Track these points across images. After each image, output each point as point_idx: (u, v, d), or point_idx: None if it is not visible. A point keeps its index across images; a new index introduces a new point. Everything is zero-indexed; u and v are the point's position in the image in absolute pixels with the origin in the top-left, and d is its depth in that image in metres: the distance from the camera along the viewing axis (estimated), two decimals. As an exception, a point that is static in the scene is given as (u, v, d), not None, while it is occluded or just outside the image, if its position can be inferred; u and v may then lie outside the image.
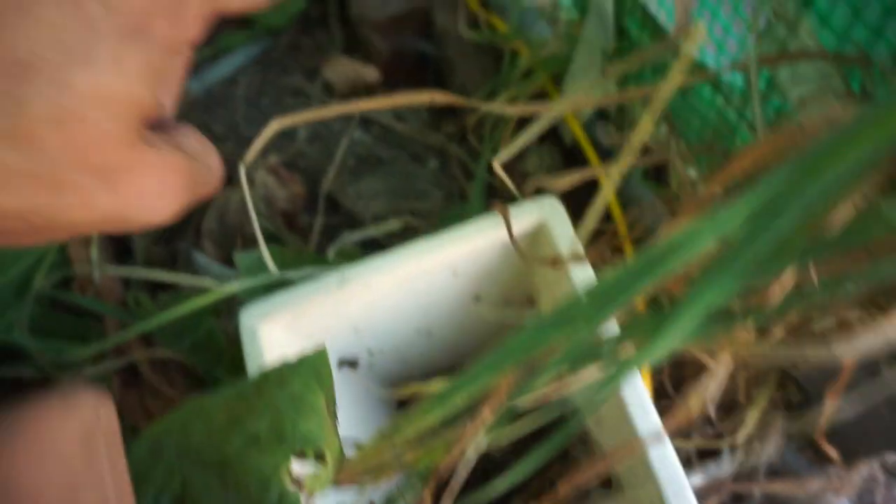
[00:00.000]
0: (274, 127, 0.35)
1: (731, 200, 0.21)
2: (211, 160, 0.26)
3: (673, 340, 0.20)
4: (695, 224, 0.21)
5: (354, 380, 0.47)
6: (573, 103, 0.28)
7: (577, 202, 0.52)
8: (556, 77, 0.52)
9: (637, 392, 0.31)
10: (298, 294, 0.36)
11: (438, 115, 0.67)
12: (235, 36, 0.72)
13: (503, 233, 0.36)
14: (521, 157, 0.54)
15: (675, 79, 0.18)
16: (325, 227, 0.60)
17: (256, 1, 0.26)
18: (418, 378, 0.53)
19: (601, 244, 0.45)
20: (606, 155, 0.51)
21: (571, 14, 0.52)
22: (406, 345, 0.46)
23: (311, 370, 0.29)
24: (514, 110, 0.32)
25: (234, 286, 0.38)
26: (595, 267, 0.45)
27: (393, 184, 0.63)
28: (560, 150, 0.54)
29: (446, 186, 0.63)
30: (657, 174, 0.52)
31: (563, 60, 0.51)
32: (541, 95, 0.54)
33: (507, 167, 0.56)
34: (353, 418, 0.43)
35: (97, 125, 0.20)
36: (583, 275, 0.36)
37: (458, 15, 0.62)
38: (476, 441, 0.24)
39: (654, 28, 0.39)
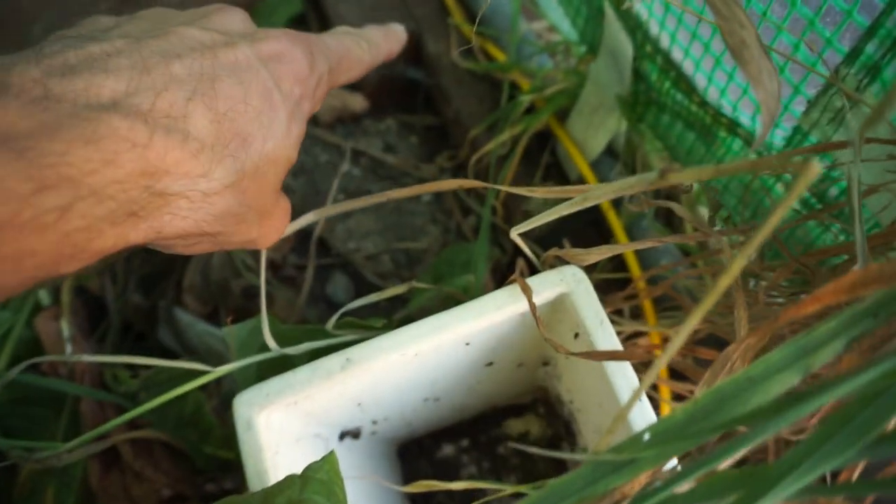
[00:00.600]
0: (309, 218, 0.33)
1: (820, 331, 0.18)
2: (288, 204, 0.33)
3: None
4: (776, 356, 0.18)
5: (357, 445, 0.44)
6: (615, 189, 0.24)
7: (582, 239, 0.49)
8: (560, 111, 0.49)
9: None
10: (298, 379, 0.33)
11: (431, 145, 0.64)
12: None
13: (522, 304, 0.33)
14: (523, 196, 0.51)
15: (779, 214, 0.15)
16: (316, 269, 0.56)
17: (356, 75, 0.36)
18: (423, 436, 0.50)
19: (616, 297, 0.42)
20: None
21: (577, 48, 0.49)
22: (412, 411, 0.42)
23: (322, 490, 0.25)
24: (541, 193, 0.29)
25: (228, 367, 0.34)
26: (615, 324, 0.42)
27: (385, 221, 0.59)
28: (563, 178, 0.51)
29: (442, 222, 0.59)
30: (667, 214, 0.50)
31: (569, 96, 0.48)
32: (544, 134, 0.51)
33: (507, 205, 0.53)
34: (357, 485, 0.39)
35: (270, 179, 0.29)
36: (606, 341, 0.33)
37: (450, 42, 0.59)
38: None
39: (677, 75, 0.36)
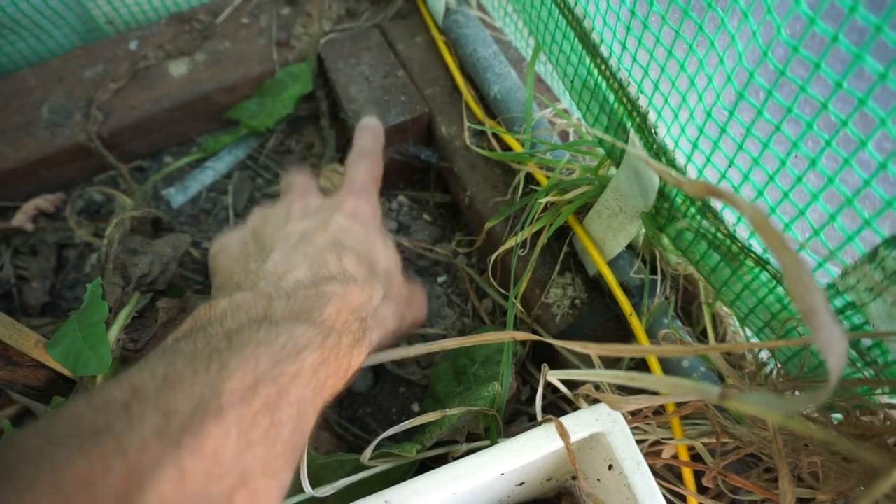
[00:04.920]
0: (386, 357, 0.33)
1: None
2: (417, 287, 0.52)
3: None
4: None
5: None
6: (662, 351, 0.25)
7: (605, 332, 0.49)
8: (579, 208, 0.50)
9: None
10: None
11: (444, 222, 0.64)
12: (218, 138, 0.68)
13: (558, 443, 0.34)
14: (542, 288, 0.51)
15: None
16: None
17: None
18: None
19: (643, 411, 0.42)
20: (633, 291, 0.48)
21: (595, 147, 0.50)
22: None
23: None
24: (596, 351, 0.29)
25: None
26: (640, 430, 0.43)
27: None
28: (583, 279, 0.52)
29: (458, 305, 0.60)
30: (685, 308, 0.50)
31: (588, 195, 0.48)
32: (564, 231, 0.51)
33: (527, 296, 0.53)
34: None
35: (396, 280, 0.45)
36: (643, 482, 0.33)
37: (462, 125, 0.59)
38: None
39: (704, 205, 0.36)
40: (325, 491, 0.35)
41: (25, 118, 0.64)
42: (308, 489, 0.34)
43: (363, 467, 0.37)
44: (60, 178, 0.65)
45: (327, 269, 0.38)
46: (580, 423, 0.33)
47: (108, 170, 0.66)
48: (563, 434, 0.32)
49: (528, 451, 0.33)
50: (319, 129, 0.68)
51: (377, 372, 0.57)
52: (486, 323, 0.58)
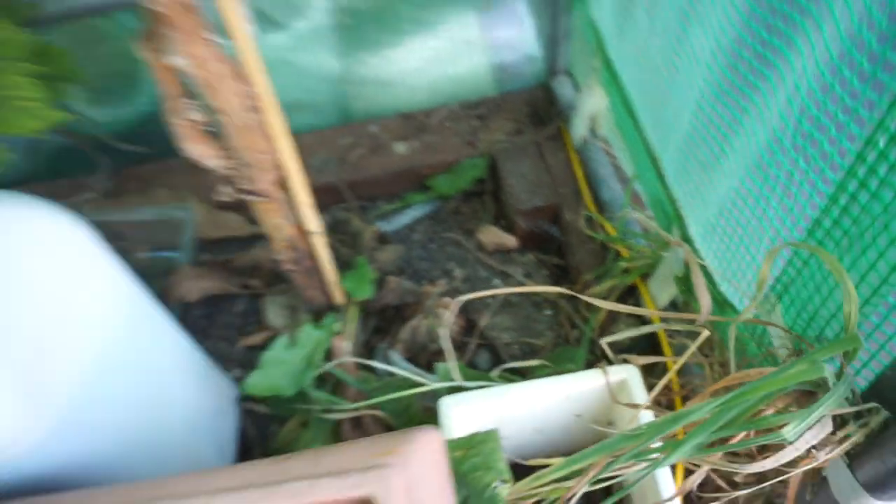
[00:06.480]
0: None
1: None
2: None
3: (680, 456, 0.44)
4: (693, 408, 0.46)
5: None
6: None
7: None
8: (643, 274, 0.79)
9: (665, 477, 0.55)
10: (474, 395, 0.63)
11: (556, 278, 0.94)
12: (416, 196, 1.03)
13: (601, 381, 0.62)
14: (613, 319, 0.80)
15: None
16: (476, 347, 0.87)
17: None
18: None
19: (659, 394, 0.69)
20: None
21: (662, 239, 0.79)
22: (528, 438, 0.70)
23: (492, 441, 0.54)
24: (625, 309, 0.58)
25: (436, 384, 0.65)
26: (657, 406, 0.69)
27: (519, 322, 0.89)
28: (639, 317, 0.79)
29: (556, 330, 0.89)
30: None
31: (650, 266, 0.77)
32: (632, 289, 0.80)
33: (604, 326, 0.82)
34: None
35: None
36: (646, 416, 0.60)
37: (579, 214, 0.90)
38: (581, 489, 0.49)
39: (710, 280, 0.64)
40: (469, 384, 0.65)
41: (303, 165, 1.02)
42: (458, 379, 0.64)
43: (490, 380, 0.67)
44: (319, 203, 1.02)
45: None
46: (615, 372, 0.61)
47: (343, 202, 1.03)
48: (605, 372, 0.60)
49: (582, 380, 0.62)
50: (483, 202, 1.02)
51: (495, 360, 0.86)
52: (572, 345, 0.86)
